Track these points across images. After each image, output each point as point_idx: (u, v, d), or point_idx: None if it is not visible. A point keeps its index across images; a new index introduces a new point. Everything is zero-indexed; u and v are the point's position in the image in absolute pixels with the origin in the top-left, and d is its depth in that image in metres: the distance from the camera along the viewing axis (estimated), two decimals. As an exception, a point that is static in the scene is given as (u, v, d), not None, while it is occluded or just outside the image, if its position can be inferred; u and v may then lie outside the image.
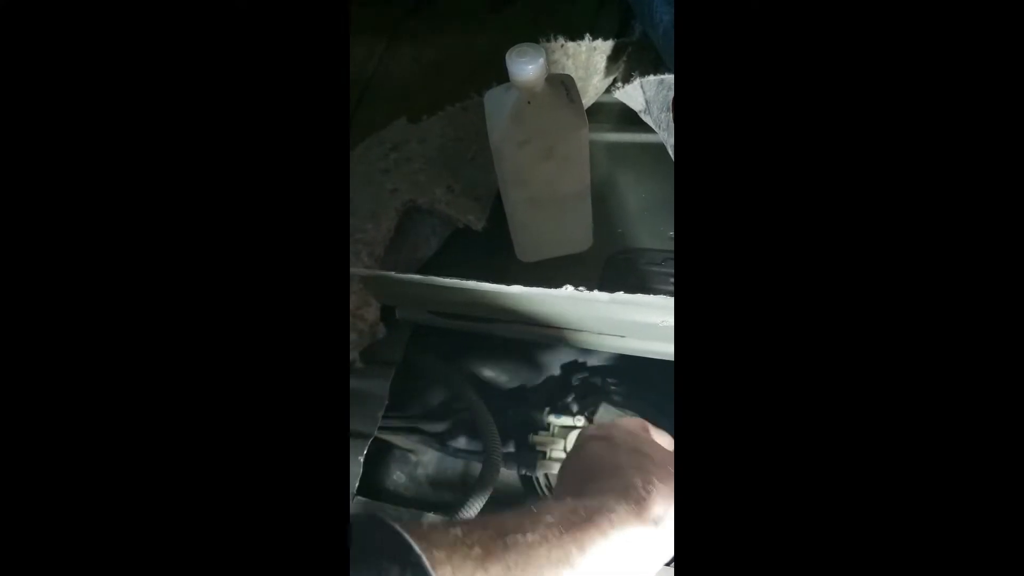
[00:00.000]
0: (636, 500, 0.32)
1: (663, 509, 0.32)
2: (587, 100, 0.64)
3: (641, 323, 0.45)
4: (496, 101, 0.48)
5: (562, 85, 0.48)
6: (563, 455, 0.56)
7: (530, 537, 0.28)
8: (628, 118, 0.62)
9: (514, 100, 0.46)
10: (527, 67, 0.44)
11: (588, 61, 0.61)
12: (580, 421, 0.57)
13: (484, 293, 0.45)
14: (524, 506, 0.31)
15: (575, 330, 0.52)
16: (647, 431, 0.40)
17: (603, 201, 0.59)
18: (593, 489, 0.33)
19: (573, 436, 0.56)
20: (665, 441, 0.41)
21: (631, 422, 0.41)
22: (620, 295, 0.42)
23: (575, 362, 0.62)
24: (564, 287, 0.43)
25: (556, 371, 0.63)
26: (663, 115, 0.55)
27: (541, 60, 0.44)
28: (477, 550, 0.27)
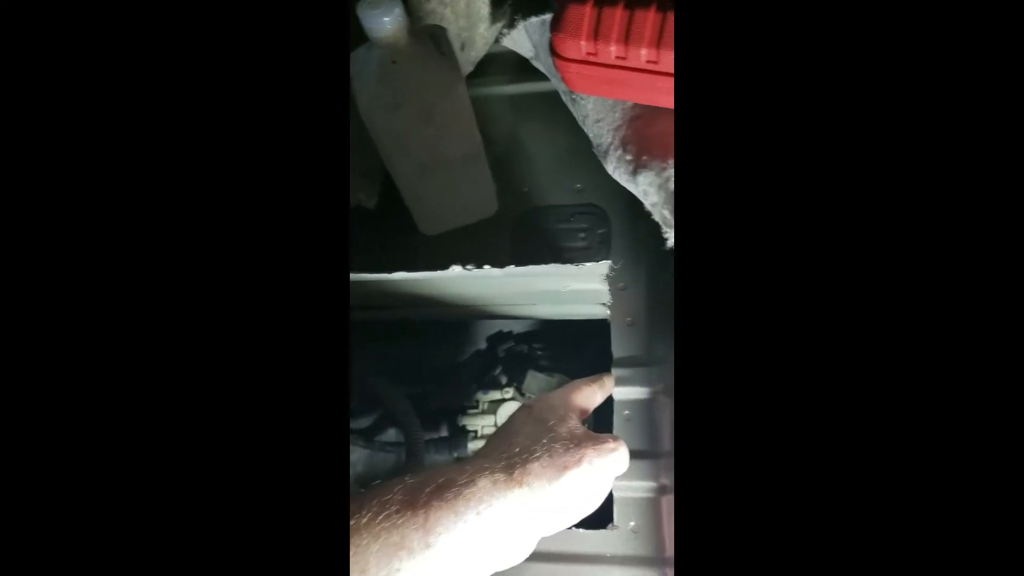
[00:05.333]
0: (506, 466, 0.33)
1: (535, 476, 0.32)
2: (477, 52, 0.60)
3: (546, 291, 0.42)
4: (360, 63, 0.43)
5: (430, 38, 0.43)
6: (493, 430, 0.53)
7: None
8: (526, 67, 0.57)
9: (378, 60, 0.41)
10: (382, 19, 0.39)
11: (468, 8, 0.56)
12: (508, 392, 0.55)
13: (377, 283, 0.41)
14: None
15: (487, 305, 0.49)
16: (567, 402, 0.38)
17: (506, 159, 0.55)
18: (481, 453, 0.35)
19: (502, 409, 0.53)
20: (592, 388, 0.40)
21: (560, 394, 0.39)
22: (512, 269, 0.39)
23: (500, 332, 0.59)
24: (451, 268, 0.39)
25: (482, 345, 0.60)
26: (552, 60, 0.51)
27: (397, 10, 0.39)
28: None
